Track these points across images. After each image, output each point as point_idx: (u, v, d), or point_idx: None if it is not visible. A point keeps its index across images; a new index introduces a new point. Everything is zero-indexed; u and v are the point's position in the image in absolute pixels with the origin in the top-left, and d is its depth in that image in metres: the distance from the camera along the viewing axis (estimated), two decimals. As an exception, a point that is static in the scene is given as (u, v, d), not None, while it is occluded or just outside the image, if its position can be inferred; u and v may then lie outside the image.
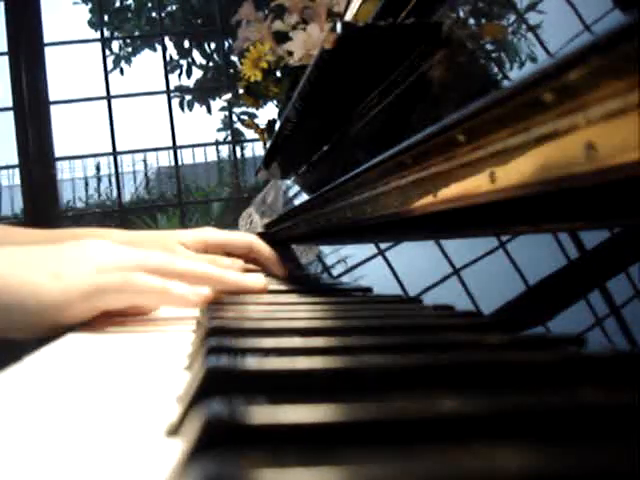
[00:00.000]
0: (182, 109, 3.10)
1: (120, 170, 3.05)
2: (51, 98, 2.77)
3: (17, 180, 2.88)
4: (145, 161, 4.24)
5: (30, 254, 0.45)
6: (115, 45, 3.24)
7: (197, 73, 3.25)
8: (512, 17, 0.35)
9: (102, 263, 0.44)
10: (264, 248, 0.77)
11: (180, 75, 3.22)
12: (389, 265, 0.53)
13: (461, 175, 0.34)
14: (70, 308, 0.41)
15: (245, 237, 0.79)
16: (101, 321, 0.44)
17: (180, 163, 3.17)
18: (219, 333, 0.30)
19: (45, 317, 0.41)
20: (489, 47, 0.37)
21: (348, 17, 0.68)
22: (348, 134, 0.69)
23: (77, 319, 0.42)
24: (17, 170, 2.79)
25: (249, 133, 2.86)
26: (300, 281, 0.72)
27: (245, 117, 2.11)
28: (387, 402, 0.16)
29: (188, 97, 3.16)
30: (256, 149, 3.54)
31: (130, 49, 3.29)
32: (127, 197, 3.93)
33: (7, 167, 3.09)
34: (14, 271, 0.42)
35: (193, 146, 3.49)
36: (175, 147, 2.87)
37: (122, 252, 0.47)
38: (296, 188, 1.10)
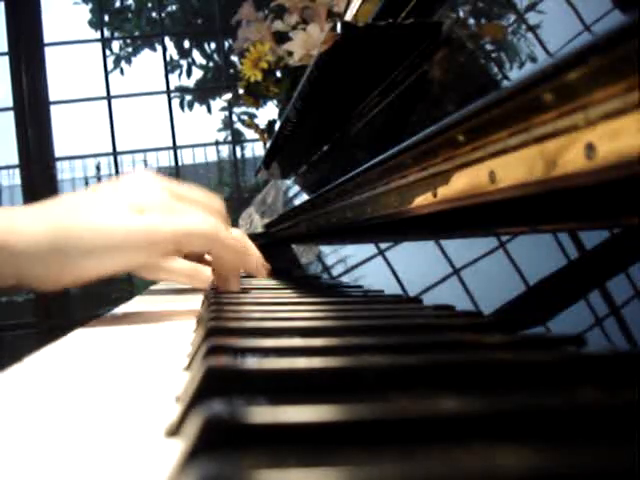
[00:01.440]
0: (182, 109, 3.11)
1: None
2: (51, 98, 2.77)
3: (17, 180, 2.88)
4: (145, 161, 4.24)
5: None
6: (115, 45, 3.24)
7: (197, 73, 3.26)
8: (512, 17, 0.35)
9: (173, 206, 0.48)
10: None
11: (180, 75, 3.22)
12: (389, 265, 0.53)
13: (461, 175, 0.34)
14: (164, 243, 0.46)
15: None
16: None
17: (180, 163, 3.17)
18: (219, 333, 0.30)
19: (142, 253, 0.45)
20: (489, 47, 0.37)
21: (348, 17, 0.68)
22: (348, 134, 0.69)
23: (164, 255, 0.46)
24: (17, 170, 2.79)
25: (249, 133, 2.86)
26: (305, 283, 0.72)
27: (245, 117, 2.11)
28: (387, 402, 0.16)
29: (188, 97, 3.16)
30: (256, 149, 3.54)
31: (130, 49, 3.29)
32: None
33: (7, 167, 3.09)
34: (105, 212, 0.45)
35: (193, 146, 3.49)
36: (175, 147, 2.88)
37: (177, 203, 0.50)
38: (296, 188, 1.10)
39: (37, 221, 0.43)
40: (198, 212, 0.50)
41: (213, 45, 3.25)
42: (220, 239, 0.48)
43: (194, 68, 3.25)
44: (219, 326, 0.32)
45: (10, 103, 2.70)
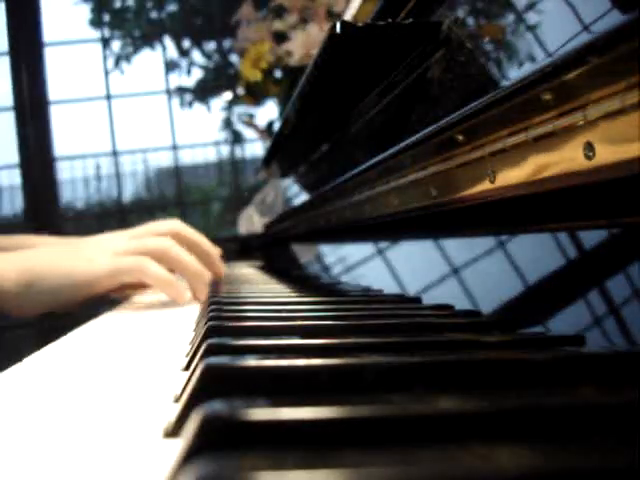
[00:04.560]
0: (182, 108, 3.10)
1: (120, 170, 3.04)
2: (51, 98, 2.77)
3: (17, 180, 2.88)
4: (145, 161, 4.24)
5: (69, 247, 0.63)
6: (115, 45, 3.23)
7: (197, 73, 3.25)
8: (511, 17, 0.35)
9: (116, 248, 0.60)
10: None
11: (180, 75, 3.22)
12: (389, 265, 0.53)
13: (460, 175, 0.34)
14: (99, 282, 0.58)
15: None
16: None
17: (180, 163, 3.17)
18: (218, 332, 0.30)
19: (85, 290, 0.57)
20: (488, 47, 0.37)
21: (348, 17, 0.68)
22: (347, 134, 0.69)
23: (103, 290, 0.59)
24: (17, 170, 2.78)
25: (249, 133, 2.86)
26: (305, 282, 0.72)
27: (245, 117, 2.11)
28: (387, 401, 0.16)
29: (188, 97, 3.16)
30: (256, 149, 3.53)
31: (130, 49, 3.28)
32: (127, 197, 3.93)
33: (7, 167, 3.09)
34: (63, 260, 0.58)
35: (193, 146, 3.49)
36: (175, 147, 2.87)
37: (129, 241, 0.62)
38: (296, 188, 1.10)
39: (10, 266, 0.56)
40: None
41: (213, 45, 3.25)
42: (144, 272, 0.58)
43: (194, 68, 3.25)
44: (218, 326, 0.31)
45: (10, 103, 2.69)
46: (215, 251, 0.71)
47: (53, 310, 0.59)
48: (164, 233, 0.64)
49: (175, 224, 0.67)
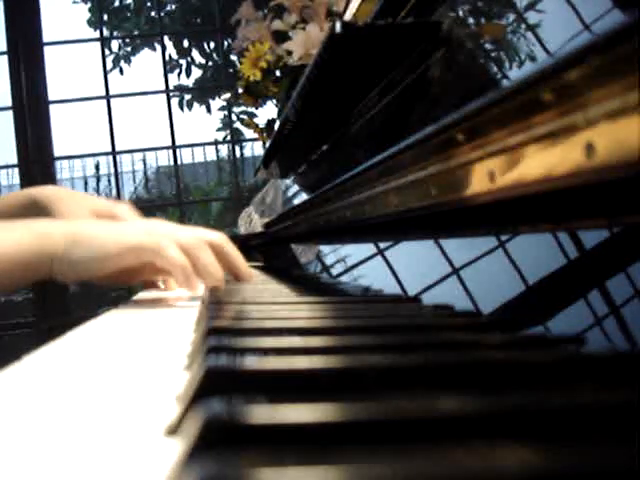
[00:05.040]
0: (181, 109, 3.10)
1: (119, 170, 3.04)
2: (50, 98, 2.77)
3: (17, 180, 2.87)
4: (144, 161, 4.24)
5: (113, 223, 0.68)
6: (114, 44, 3.23)
7: (196, 72, 3.25)
8: (511, 16, 0.35)
9: (150, 229, 0.63)
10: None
11: (179, 74, 3.22)
12: (388, 265, 0.53)
13: (460, 175, 0.34)
14: (124, 255, 0.60)
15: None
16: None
17: (179, 163, 3.17)
18: (219, 332, 0.30)
19: (113, 261, 0.59)
20: (488, 46, 0.37)
21: (347, 16, 0.68)
22: (347, 133, 0.69)
23: (128, 264, 0.61)
24: (17, 170, 2.78)
25: (248, 133, 2.86)
26: (304, 282, 0.72)
27: (244, 117, 2.11)
28: (387, 402, 0.16)
29: (187, 97, 3.16)
30: (255, 149, 3.53)
31: (129, 48, 3.28)
32: (126, 197, 3.92)
33: (7, 167, 3.09)
34: (101, 231, 0.61)
35: (192, 145, 3.48)
36: (174, 147, 2.87)
37: (167, 226, 0.65)
38: (295, 188, 1.10)
39: (59, 231, 0.60)
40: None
41: (212, 44, 3.24)
42: (161, 253, 0.60)
43: (193, 67, 3.25)
44: (219, 326, 0.32)
45: (9, 102, 2.69)
46: (248, 274, 0.69)
47: (87, 279, 0.63)
48: (207, 241, 0.66)
49: (220, 236, 0.68)
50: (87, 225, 0.64)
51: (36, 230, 0.60)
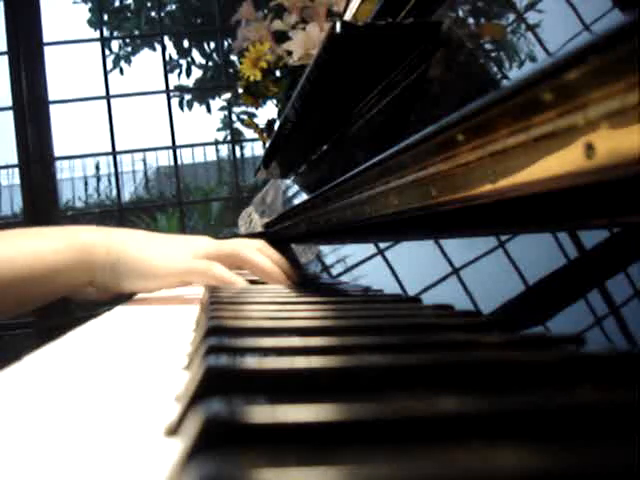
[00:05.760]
0: (182, 109, 3.10)
1: (119, 170, 3.04)
2: (50, 98, 2.77)
3: (17, 180, 2.87)
4: (144, 161, 4.24)
5: (158, 239, 0.68)
6: (115, 45, 3.23)
7: (197, 73, 3.25)
8: (511, 17, 0.35)
9: (196, 250, 0.65)
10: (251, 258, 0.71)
11: (179, 75, 3.22)
12: (389, 265, 0.53)
13: (461, 175, 0.34)
14: (168, 279, 0.63)
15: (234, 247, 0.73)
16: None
17: (179, 163, 3.17)
18: (218, 332, 0.30)
19: (154, 283, 0.63)
20: (488, 47, 0.37)
21: (347, 17, 0.68)
22: (347, 133, 0.69)
23: (170, 286, 0.64)
24: (17, 170, 2.78)
25: (249, 133, 2.86)
26: (304, 282, 0.72)
27: (245, 117, 2.11)
28: (387, 402, 0.16)
29: (188, 97, 3.16)
30: (256, 149, 3.54)
31: (130, 49, 3.28)
32: (126, 197, 3.93)
33: (7, 167, 3.09)
34: (146, 250, 0.63)
35: (192, 146, 3.48)
36: (174, 147, 2.87)
37: (210, 242, 0.69)
38: (295, 188, 1.10)
39: (103, 242, 0.62)
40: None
41: (212, 45, 3.24)
42: (210, 276, 0.63)
43: (193, 68, 3.25)
44: (218, 325, 0.32)
45: (9, 102, 2.69)
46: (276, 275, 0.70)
47: (117, 295, 0.65)
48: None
49: (260, 243, 0.71)
50: (134, 242, 0.64)
51: (79, 240, 0.61)
